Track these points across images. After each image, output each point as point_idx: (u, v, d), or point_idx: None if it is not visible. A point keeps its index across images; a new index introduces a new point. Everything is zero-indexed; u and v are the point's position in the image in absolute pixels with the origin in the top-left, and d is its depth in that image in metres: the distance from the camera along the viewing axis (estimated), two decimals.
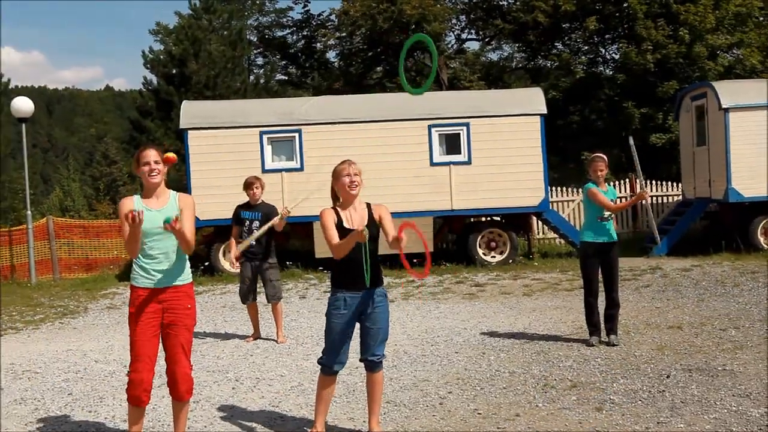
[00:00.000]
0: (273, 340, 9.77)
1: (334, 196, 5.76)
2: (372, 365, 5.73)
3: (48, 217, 20.10)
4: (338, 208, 5.66)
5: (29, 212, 18.85)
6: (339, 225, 5.56)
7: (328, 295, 5.77)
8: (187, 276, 5.55)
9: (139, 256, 5.43)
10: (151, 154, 5.43)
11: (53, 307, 13.84)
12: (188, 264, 5.58)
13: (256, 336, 9.91)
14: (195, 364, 8.37)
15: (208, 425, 6.25)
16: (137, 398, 5.39)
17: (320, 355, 5.78)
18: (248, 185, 9.70)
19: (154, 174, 5.41)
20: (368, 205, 5.73)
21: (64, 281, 18.28)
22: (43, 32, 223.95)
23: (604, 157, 8.96)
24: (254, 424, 6.23)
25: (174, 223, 5.15)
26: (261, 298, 10.17)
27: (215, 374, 8.04)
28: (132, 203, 5.42)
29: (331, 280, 5.76)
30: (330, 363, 5.67)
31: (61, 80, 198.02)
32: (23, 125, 19.33)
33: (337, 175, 5.63)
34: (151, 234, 5.37)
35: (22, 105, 18.79)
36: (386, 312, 5.75)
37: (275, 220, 9.29)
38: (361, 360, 5.80)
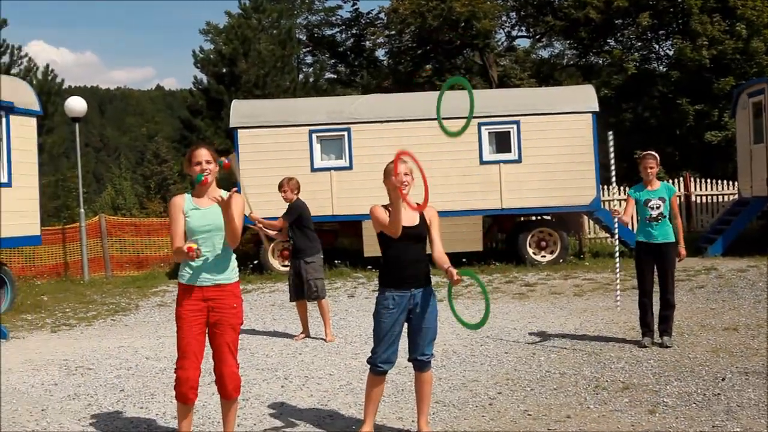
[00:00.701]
0: (322, 339, 9.82)
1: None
2: (421, 365, 5.70)
3: (100, 216, 20.44)
4: (389, 207, 5.61)
5: (82, 210, 19.18)
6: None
7: (376, 294, 5.75)
8: (233, 275, 5.53)
9: None
10: (203, 154, 5.44)
11: (105, 304, 14.07)
12: (235, 263, 5.57)
13: (305, 334, 9.96)
14: (244, 362, 8.46)
15: (257, 423, 6.29)
16: (184, 395, 5.42)
17: (369, 354, 5.77)
18: (279, 187, 9.88)
19: (207, 174, 5.41)
20: (418, 205, 5.65)
21: (115, 279, 18.57)
22: (97, 33, 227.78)
23: (655, 154, 8.83)
24: (303, 423, 6.26)
25: (230, 196, 5.14)
26: None
27: (264, 372, 8.10)
28: (183, 201, 5.47)
29: (379, 279, 5.73)
30: (379, 362, 5.65)
31: (113, 80, 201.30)
32: (76, 125, 19.68)
33: (387, 173, 5.60)
34: (199, 232, 5.39)
35: (76, 105, 19.12)
36: (435, 311, 5.71)
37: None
38: (409, 360, 5.76)
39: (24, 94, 13.52)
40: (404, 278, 5.58)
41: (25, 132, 13.25)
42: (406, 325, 5.70)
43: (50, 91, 31.37)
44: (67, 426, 6.41)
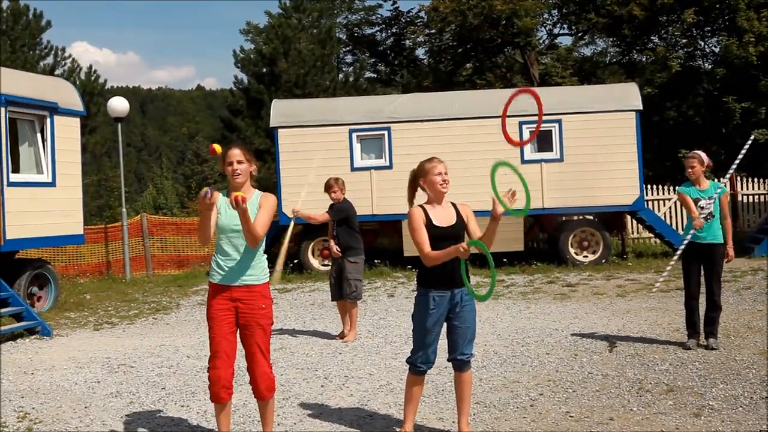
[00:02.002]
0: (358, 338, 9.83)
1: (412, 192, 5.79)
2: (461, 364, 5.69)
3: (142, 215, 20.68)
4: (426, 207, 5.64)
5: (124, 210, 19.43)
6: (429, 223, 5.54)
7: (416, 294, 5.74)
8: (262, 276, 5.53)
9: (216, 252, 5.53)
10: (235, 154, 5.45)
11: (147, 302, 14.23)
12: (265, 264, 5.59)
13: (345, 334, 9.97)
14: (284, 361, 8.53)
15: (297, 423, 6.32)
16: (216, 395, 5.47)
17: (409, 354, 5.78)
18: (327, 188, 9.86)
19: (237, 174, 5.43)
20: (453, 204, 5.73)
21: (157, 277, 18.78)
22: (139, 34, 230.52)
23: (699, 154, 8.67)
24: (343, 422, 6.28)
25: (239, 199, 5.07)
26: None
27: (304, 371, 8.14)
28: (218, 198, 5.48)
29: (418, 279, 5.72)
30: (419, 362, 5.66)
31: (154, 80, 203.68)
32: (119, 125, 19.93)
33: (426, 172, 5.63)
34: (228, 231, 5.43)
35: (118, 105, 19.36)
36: (473, 311, 5.71)
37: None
38: (449, 359, 5.76)
39: (68, 95, 13.72)
40: (445, 278, 5.54)
41: (68, 132, 13.45)
42: (444, 325, 5.69)
43: (93, 91, 31.81)
44: (110, 423, 6.50)
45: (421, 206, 5.65)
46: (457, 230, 5.63)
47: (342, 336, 9.93)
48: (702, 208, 8.49)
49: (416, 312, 5.68)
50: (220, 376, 5.44)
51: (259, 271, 5.50)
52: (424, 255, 5.49)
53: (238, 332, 5.53)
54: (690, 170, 8.59)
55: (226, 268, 5.44)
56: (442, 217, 5.59)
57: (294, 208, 9.51)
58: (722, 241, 8.50)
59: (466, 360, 5.70)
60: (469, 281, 5.47)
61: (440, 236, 5.53)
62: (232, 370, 5.51)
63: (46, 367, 8.81)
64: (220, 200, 5.49)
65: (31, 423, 6.57)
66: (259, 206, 5.48)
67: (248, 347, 5.49)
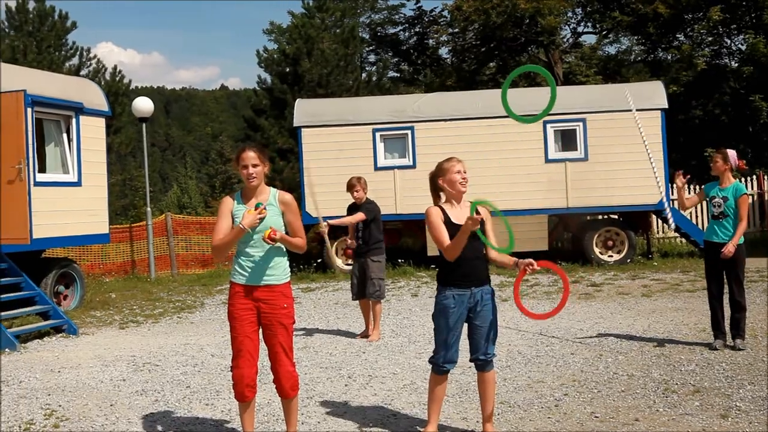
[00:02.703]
0: (382, 338, 9.84)
1: (435, 193, 5.81)
2: (483, 365, 5.69)
3: (166, 214, 20.80)
4: (443, 206, 5.69)
5: (149, 209, 19.54)
6: (447, 221, 5.59)
7: (436, 294, 5.75)
8: (283, 276, 5.55)
9: (238, 253, 5.53)
10: (251, 157, 5.43)
11: (171, 301, 14.31)
12: (286, 264, 5.60)
13: (368, 333, 9.98)
14: (308, 360, 8.54)
15: (321, 421, 6.33)
16: (241, 393, 5.51)
17: (431, 354, 5.77)
18: (350, 187, 9.84)
19: (253, 178, 5.42)
20: (471, 204, 5.70)
21: (181, 276, 18.88)
22: (163, 34, 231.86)
23: (725, 152, 8.58)
24: (367, 421, 6.28)
25: (273, 234, 5.27)
26: None
27: (328, 370, 8.15)
28: (231, 202, 5.53)
29: (438, 278, 5.74)
30: (441, 362, 5.65)
31: (178, 80, 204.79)
32: (143, 125, 20.05)
33: (445, 171, 5.68)
34: (249, 234, 5.41)
35: (143, 105, 19.48)
36: (494, 310, 5.70)
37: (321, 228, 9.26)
38: (471, 360, 5.75)
39: (93, 95, 13.82)
40: (464, 276, 5.58)
41: (94, 132, 13.55)
42: (466, 324, 5.69)
43: (118, 91, 31.99)
44: (135, 421, 6.54)
45: (438, 205, 5.71)
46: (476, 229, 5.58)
47: (365, 335, 9.94)
48: (714, 205, 8.44)
49: (436, 311, 5.69)
50: (244, 375, 5.47)
51: (280, 271, 5.51)
52: (445, 249, 5.51)
53: (260, 331, 5.55)
54: (712, 165, 8.57)
55: (249, 269, 5.45)
56: (461, 216, 5.58)
57: (323, 223, 9.16)
58: (739, 242, 8.40)
59: (489, 359, 5.69)
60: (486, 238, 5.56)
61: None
62: (255, 369, 5.52)
63: (73, 365, 8.88)
64: (236, 203, 5.51)
65: (58, 420, 6.62)
66: (282, 211, 5.50)
67: (271, 347, 5.50)
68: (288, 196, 5.58)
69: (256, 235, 5.39)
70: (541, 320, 5.40)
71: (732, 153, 8.59)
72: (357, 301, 10.35)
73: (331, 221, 9.43)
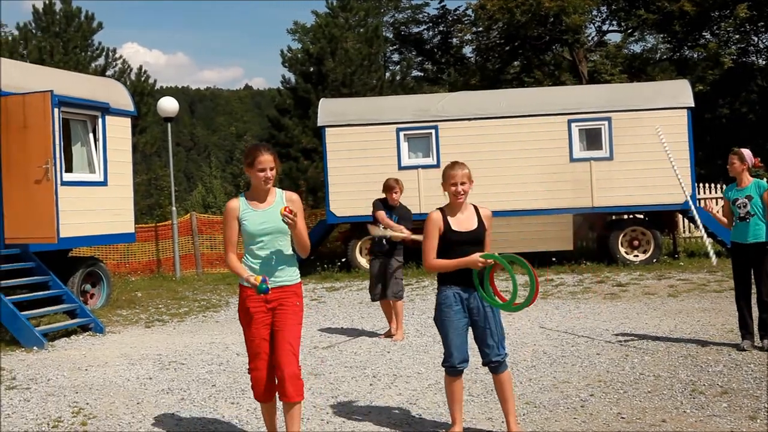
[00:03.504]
0: (406, 337, 9.82)
1: None
2: (497, 366, 5.60)
3: (191, 214, 20.91)
4: (446, 210, 5.63)
5: (174, 208, 19.66)
6: (447, 228, 5.53)
7: (436, 294, 5.74)
8: (295, 276, 5.48)
9: (247, 256, 5.40)
10: (269, 160, 5.29)
11: (197, 300, 14.38)
12: (296, 264, 5.51)
13: (392, 332, 9.96)
14: (332, 360, 8.56)
15: (346, 420, 6.33)
16: (261, 395, 5.48)
17: (443, 358, 5.70)
18: (389, 189, 9.74)
19: (270, 181, 5.33)
20: (475, 208, 5.68)
21: (206, 275, 18.98)
22: (188, 35, 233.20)
23: (741, 151, 8.50)
24: (392, 421, 6.27)
25: (288, 211, 5.15)
26: None
27: (353, 370, 8.15)
28: (237, 205, 5.38)
29: (438, 277, 5.72)
30: (453, 363, 5.59)
31: (203, 80, 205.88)
32: (168, 124, 20.15)
33: (445, 179, 5.62)
34: (258, 236, 5.33)
35: (168, 105, 19.58)
36: (498, 310, 5.62)
37: (404, 235, 9.30)
38: (484, 364, 5.67)
39: (119, 95, 13.91)
40: (465, 277, 5.52)
41: (120, 132, 13.63)
42: (471, 330, 5.63)
43: (143, 91, 32.19)
44: (162, 419, 6.57)
45: (441, 209, 5.64)
46: (478, 235, 5.59)
47: (389, 335, 9.92)
48: (739, 207, 8.35)
49: (438, 312, 5.65)
50: (262, 377, 5.43)
51: (291, 271, 5.44)
52: (427, 264, 5.58)
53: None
54: (728, 167, 8.50)
55: (261, 272, 5.30)
56: (462, 222, 5.56)
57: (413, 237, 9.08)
58: (766, 239, 8.30)
59: (501, 360, 5.60)
60: (485, 289, 5.47)
61: (459, 241, 5.53)
62: (274, 371, 5.44)
63: (100, 364, 8.94)
64: (242, 207, 5.38)
65: (85, 418, 6.68)
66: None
67: (280, 348, 5.32)
68: (295, 196, 5.50)
69: (266, 237, 5.31)
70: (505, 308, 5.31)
71: (747, 152, 8.52)
72: (377, 302, 10.26)
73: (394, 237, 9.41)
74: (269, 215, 5.32)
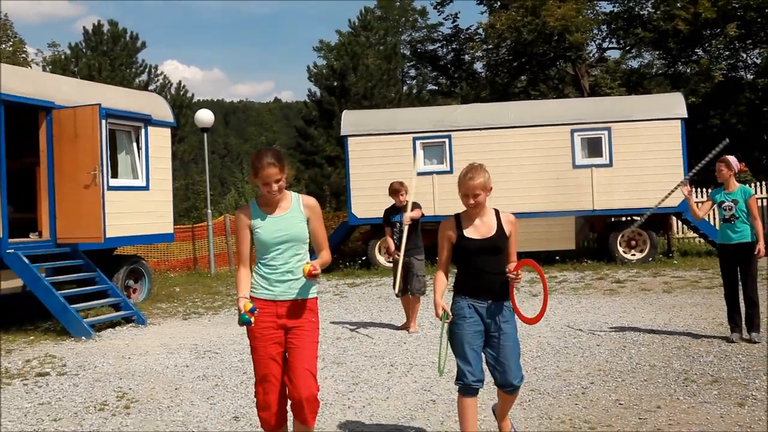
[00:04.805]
0: (421, 329, 9.81)
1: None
2: (514, 389, 4.78)
3: (225, 216, 20.99)
4: (462, 216, 4.80)
5: (209, 211, 19.74)
6: (460, 235, 4.72)
7: (450, 305, 4.84)
8: (313, 289, 4.63)
9: (260, 266, 4.60)
10: (272, 175, 4.43)
11: (229, 295, 14.42)
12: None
13: (408, 325, 9.92)
14: (353, 350, 8.55)
15: (366, 405, 6.33)
16: (266, 422, 4.61)
17: (456, 376, 4.78)
18: (395, 191, 9.70)
19: (275, 193, 4.50)
20: (497, 213, 4.81)
21: None
22: (223, 53, 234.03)
23: (728, 159, 8.46)
24: (408, 406, 6.26)
25: (312, 270, 4.38)
26: None
27: (372, 359, 8.15)
28: (248, 213, 4.59)
29: (454, 287, 4.88)
30: (467, 381, 4.66)
31: (236, 94, 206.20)
32: (205, 134, 20.27)
33: (459, 186, 4.74)
34: (272, 245, 4.52)
35: (204, 117, 19.68)
36: (514, 328, 4.76)
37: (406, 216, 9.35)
38: (498, 385, 4.80)
39: (160, 108, 13.98)
40: (480, 289, 4.70)
41: (160, 141, 13.70)
42: (486, 349, 4.78)
43: (182, 104, 32.41)
44: (198, 403, 6.60)
45: (457, 215, 4.83)
46: (496, 243, 4.70)
47: (404, 327, 9.87)
48: (725, 209, 8.30)
49: (453, 325, 4.74)
50: (270, 402, 4.54)
51: (309, 284, 4.59)
52: (435, 276, 4.89)
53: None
54: (717, 173, 8.46)
55: (276, 282, 4.52)
56: (478, 229, 4.71)
57: (408, 215, 9.36)
58: (751, 240, 8.25)
59: (517, 385, 4.75)
60: (443, 359, 4.72)
61: (473, 249, 4.70)
62: (284, 395, 4.58)
63: (141, 352, 8.99)
64: (253, 215, 4.57)
65: (128, 401, 6.71)
66: (307, 217, 4.60)
67: (297, 368, 4.46)
68: (312, 201, 4.67)
69: (281, 246, 4.51)
70: (532, 324, 4.54)
71: (734, 159, 8.48)
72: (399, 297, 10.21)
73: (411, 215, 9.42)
74: (285, 222, 4.54)
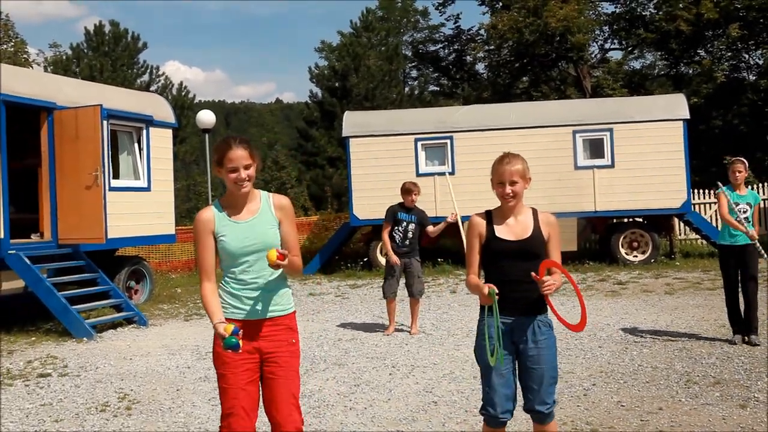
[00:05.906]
0: (422, 331, 9.81)
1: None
2: (542, 417, 4.10)
3: None
4: (494, 213, 4.19)
5: None
6: (491, 235, 4.09)
7: (478, 322, 4.28)
8: (289, 305, 3.97)
9: (228, 280, 3.92)
10: (240, 157, 3.76)
11: None
12: (290, 291, 4.02)
13: (394, 329, 9.81)
14: (355, 351, 8.54)
15: (368, 407, 6.33)
16: None
17: (481, 405, 4.17)
18: (408, 191, 9.57)
19: (245, 183, 3.80)
20: (534, 213, 4.23)
21: None
22: (225, 53, 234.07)
23: (744, 160, 8.45)
24: (409, 408, 6.26)
25: (281, 258, 3.68)
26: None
27: (374, 360, 8.15)
28: (211, 215, 3.87)
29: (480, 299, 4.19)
30: (494, 413, 4.05)
31: (238, 95, 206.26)
32: (206, 135, 20.28)
33: (492, 174, 4.17)
34: (241, 255, 3.84)
35: (206, 118, 19.68)
36: (553, 347, 4.10)
37: (438, 227, 9.36)
38: (526, 409, 4.15)
39: (161, 109, 14.00)
40: (513, 302, 4.04)
41: (162, 142, 13.71)
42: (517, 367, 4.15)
43: (183, 105, 32.44)
44: (199, 405, 6.60)
45: (488, 212, 4.20)
46: (530, 246, 4.08)
47: (387, 332, 9.78)
48: (740, 212, 8.26)
49: (478, 344, 4.15)
50: None
51: (285, 300, 3.95)
52: (466, 281, 4.22)
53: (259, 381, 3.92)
54: (737, 174, 8.30)
55: (246, 299, 3.86)
56: (511, 229, 4.11)
57: (434, 229, 9.46)
58: (752, 242, 8.23)
59: (547, 411, 4.08)
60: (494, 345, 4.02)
61: (504, 251, 4.06)
62: (254, 430, 3.89)
63: (143, 353, 9.00)
64: (217, 220, 3.87)
65: (130, 403, 6.72)
66: (279, 219, 3.92)
67: (277, 398, 3.85)
68: (285, 201, 4.00)
69: (251, 257, 3.84)
70: (577, 332, 4.04)
71: (745, 161, 8.47)
72: (386, 300, 9.90)
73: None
74: (255, 228, 3.85)
